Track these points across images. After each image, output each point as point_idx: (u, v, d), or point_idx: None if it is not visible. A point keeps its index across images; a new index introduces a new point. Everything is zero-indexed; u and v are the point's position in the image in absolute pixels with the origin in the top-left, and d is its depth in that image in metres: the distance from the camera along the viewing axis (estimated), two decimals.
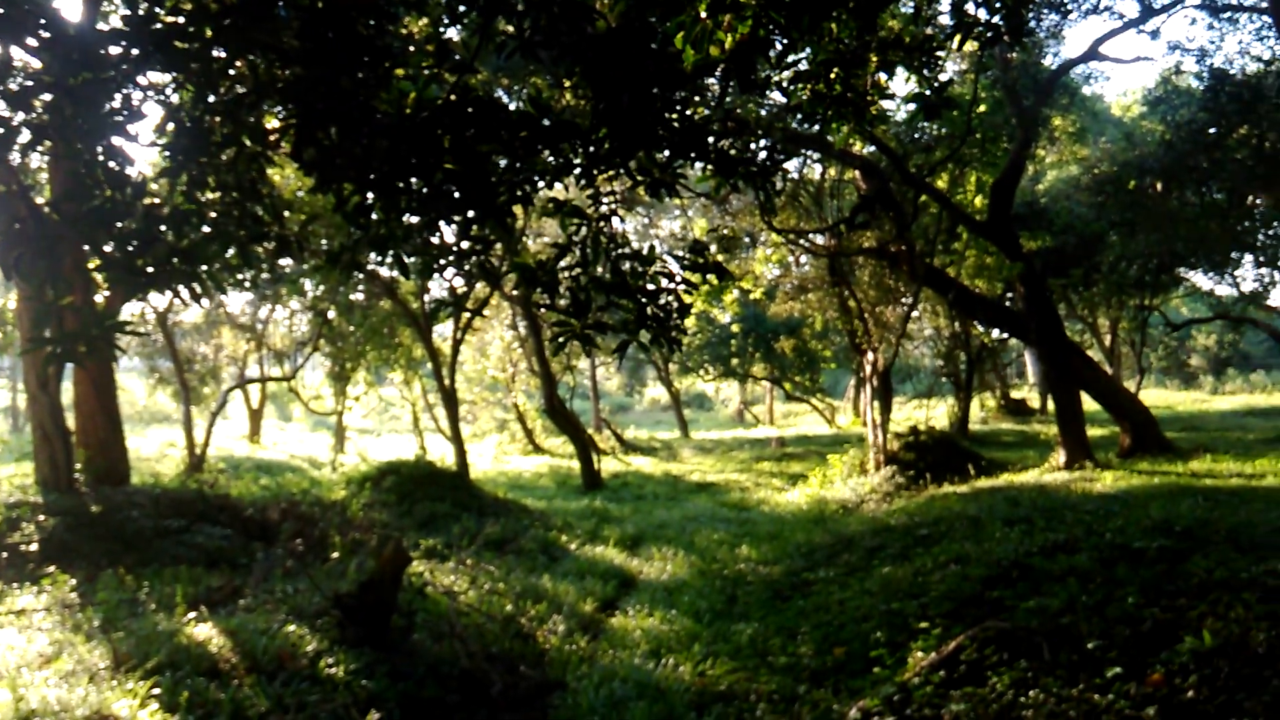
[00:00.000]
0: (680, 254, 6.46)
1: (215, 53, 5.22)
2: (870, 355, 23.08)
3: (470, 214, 5.81)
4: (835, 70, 6.72)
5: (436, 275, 6.80)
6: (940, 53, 7.52)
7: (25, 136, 5.24)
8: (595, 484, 25.45)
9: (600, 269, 6.30)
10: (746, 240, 28.64)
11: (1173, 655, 5.74)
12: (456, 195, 5.69)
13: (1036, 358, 33.54)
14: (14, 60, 5.68)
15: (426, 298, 25.85)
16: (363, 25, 5.28)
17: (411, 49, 6.19)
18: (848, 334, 26.94)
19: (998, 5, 6.83)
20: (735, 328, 43.33)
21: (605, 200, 6.46)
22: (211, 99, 5.57)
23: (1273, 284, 28.34)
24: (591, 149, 5.91)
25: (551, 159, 6.04)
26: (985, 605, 8.00)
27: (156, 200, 5.91)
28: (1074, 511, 11.15)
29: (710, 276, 6.46)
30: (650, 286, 6.26)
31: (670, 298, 6.30)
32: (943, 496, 15.87)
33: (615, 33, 5.49)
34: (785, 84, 7.12)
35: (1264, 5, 19.17)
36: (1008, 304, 26.56)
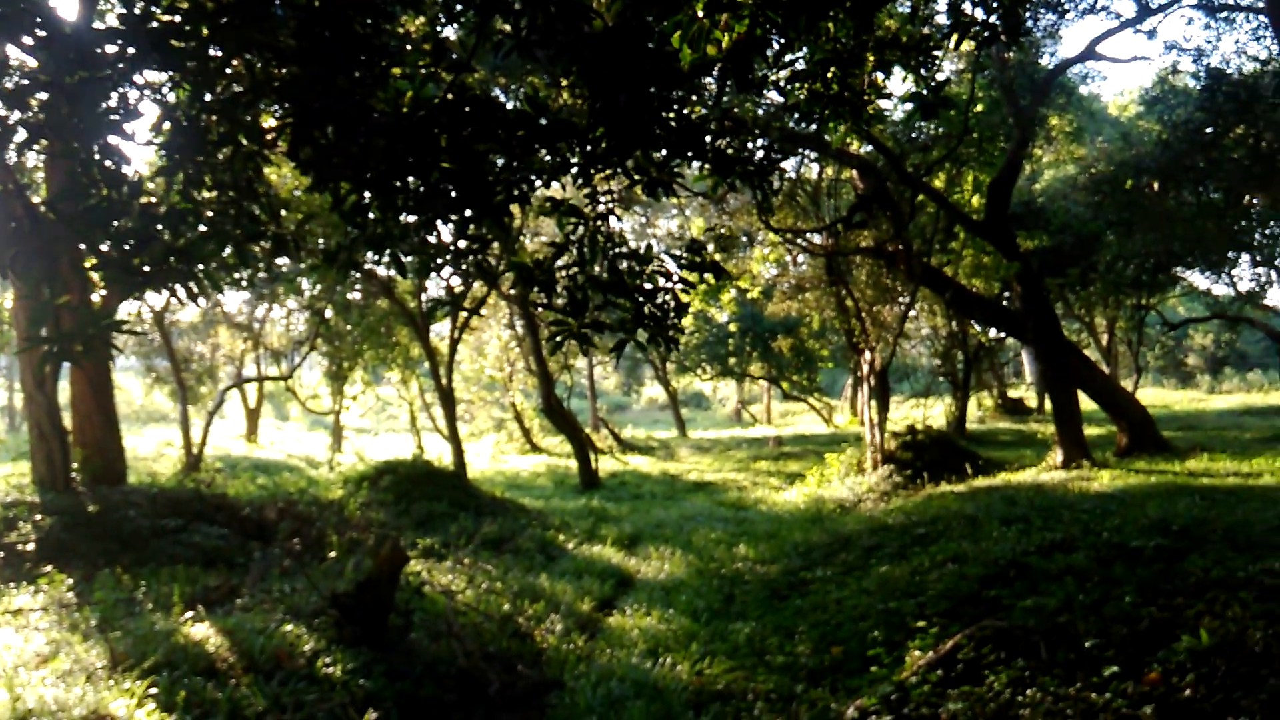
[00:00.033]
0: (677, 253, 6.46)
1: (212, 51, 5.21)
2: (867, 354, 23.09)
3: (467, 213, 5.81)
4: (832, 70, 6.72)
5: (433, 274, 6.80)
6: (937, 52, 7.52)
7: (21, 135, 5.24)
8: (593, 483, 25.45)
9: (597, 268, 6.30)
10: (744, 239, 28.67)
11: (1170, 654, 5.75)
12: (453, 194, 5.69)
13: (1034, 357, 33.53)
14: (10, 59, 5.68)
15: (424, 297, 25.84)
16: (359, 24, 5.27)
17: (408, 48, 6.19)
18: (845, 333, 26.96)
19: (994, 5, 6.83)
20: (733, 327, 43.36)
21: (602, 199, 6.46)
22: (208, 98, 5.56)
23: (1269, 283, 28.43)
24: (589, 148, 5.91)
25: (549, 158, 6.03)
26: (982, 604, 8.01)
27: (153, 199, 5.91)
28: (1071, 511, 11.17)
29: (707, 275, 6.46)
30: (647, 285, 6.26)
31: (667, 297, 6.30)
32: (940, 496, 15.88)
33: (612, 32, 5.49)
34: (782, 83, 7.13)
35: (1260, 5, 19.19)
36: (1005, 303, 26.57)
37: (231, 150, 5.81)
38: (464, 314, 26.27)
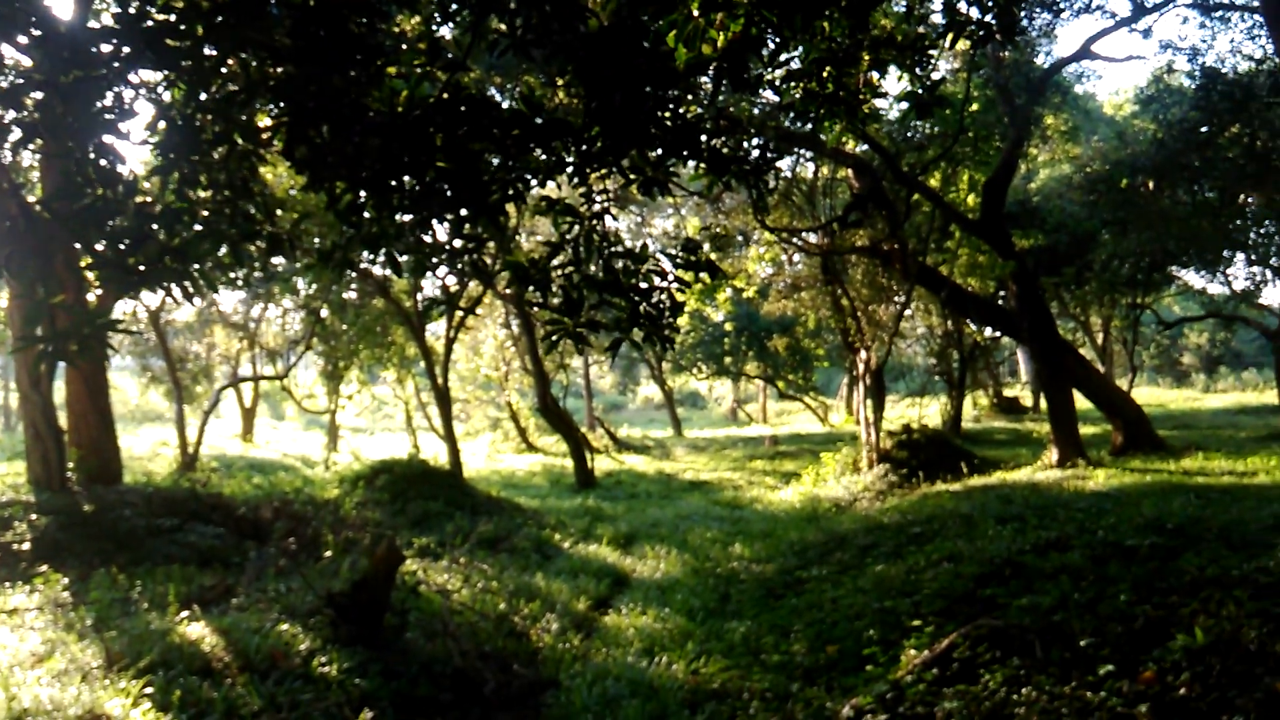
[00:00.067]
0: (673, 252, 6.46)
1: (207, 50, 5.20)
2: (863, 354, 23.11)
3: (463, 212, 5.81)
4: (827, 69, 6.72)
5: (429, 274, 6.78)
6: (932, 51, 7.53)
7: (16, 134, 5.23)
8: (588, 482, 25.45)
9: (593, 267, 6.30)
10: (739, 239, 28.66)
11: (1165, 653, 5.76)
12: (449, 193, 5.69)
13: (1029, 356, 33.63)
14: (5, 58, 5.67)
15: (419, 296, 25.83)
16: (354, 23, 5.26)
17: (404, 47, 6.18)
18: (840, 332, 26.95)
19: (990, 4, 6.83)
20: (728, 326, 43.35)
21: (598, 199, 6.45)
22: (203, 97, 5.55)
23: (1264, 282, 28.37)
24: (584, 147, 5.91)
25: (544, 157, 6.03)
26: (978, 603, 8.02)
27: (148, 198, 5.89)
28: (1066, 509, 11.19)
29: (703, 275, 6.46)
30: (643, 285, 6.26)
31: (663, 296, 6.30)
32: (935, 495, 15.90)
33: (607, 31, 5.49)
34: (778, 82, 7.13)
35: (1255, 4, 19.20)
36: (1000, 302, 26.61)
37: (227, 149, 5.80)
38: (460, 313, 26.27)
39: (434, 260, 6.51)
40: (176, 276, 5.83)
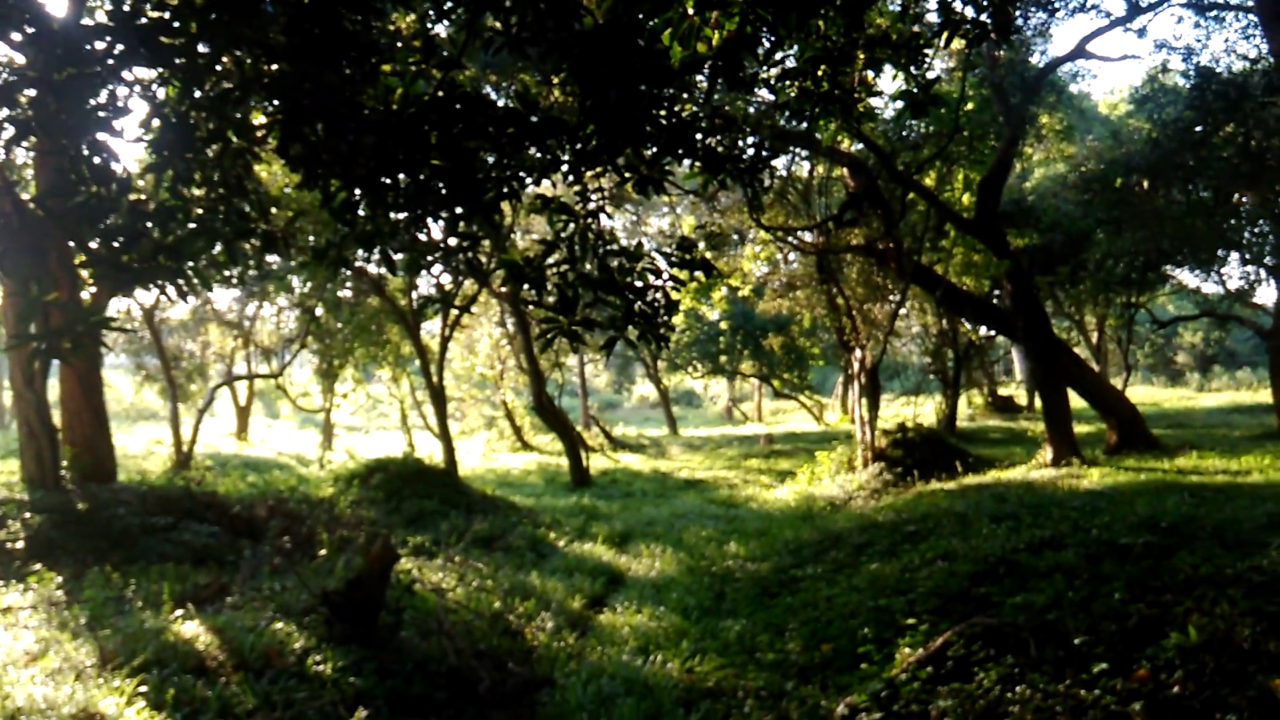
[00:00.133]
0: (668, 251, 6.46)
1: (201, 48, 5.19)
2: (858, 352, 23.13)
3: (458, 210, 5.80)
4: (823, 67, 6.73)
5: (424, 272, 6.78)
6: (927, 50, 7.53)
7: (9, 132, 5.21)
8: (584, 481, 25.44)
9: (588, 266, 6.30)
10: (735, 237, 28.68)
11: (1158, 650, 5.77)
12: (444, 191, 5.68)
13: (1024, 355, 33.65)
14: None
15: (414, 294, 25.80)
16: (349, 21, 5.26)
17: (399, 45, 6.17)
18: (836, 331, 26.98)
19: (985, 3, 6.84)
20: (724, 325, 43.40)
21: (593, 197, 6.45)
22: (197, 94, 5.54)
23: (1258, 281, 28.44)
24: (579, 146, 5.90)
25: (539, 155, 6.03)
26: (972, 602, 8.03)
27: (142, 196, 5.88)
28: (1061, 508, 11.21)
29: (698, 273, 6.47)
30: (638, 283, 6.26)
31: (658, 294, 6.30)
32: (930, 493, 15.92)
33: (602, 29, 5.49)
34: (773, 81, 7.13)
35: (1250, 4, 19.24)
36: (995, 301, 26.62)
37: (221, 147, 5.79)
38: (455, 312, 26.24)
39: (429, 258, 6.51)
40: (171, 274, 5.82)
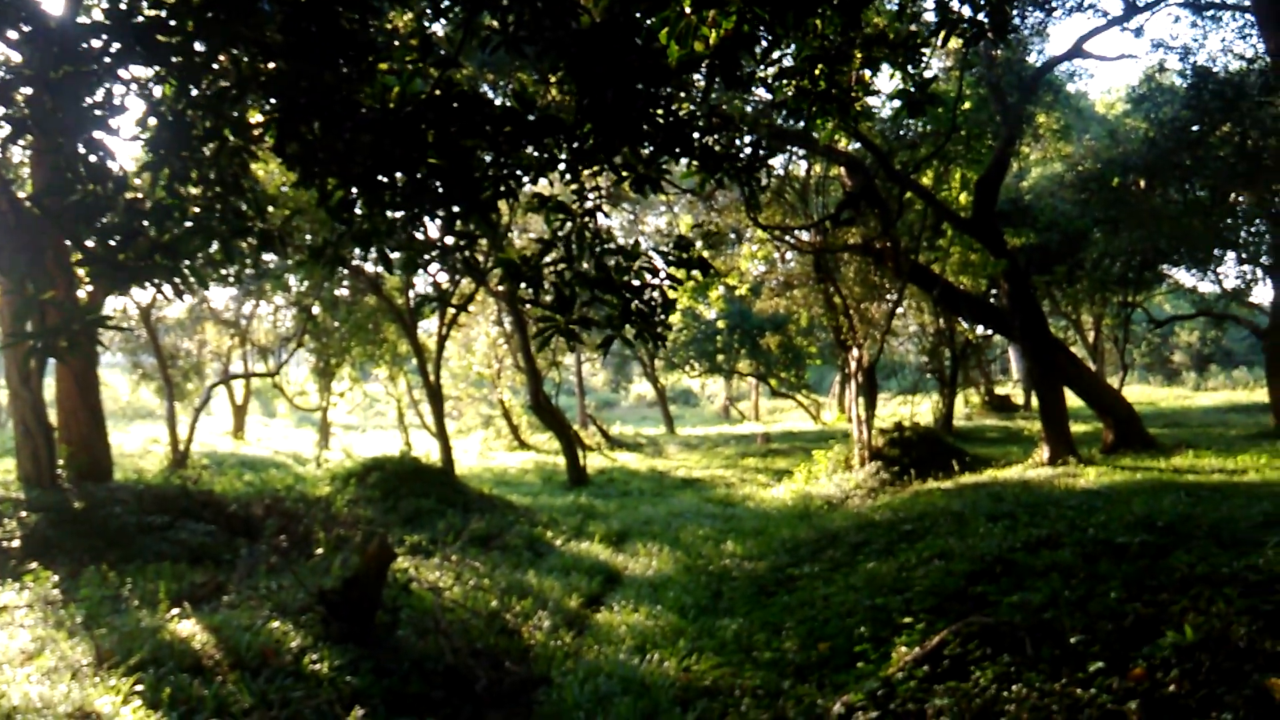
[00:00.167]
0: (665, 250, 6.46)
1: (197, 46, 5.19)
2: (855, 351, 23.14)
3: (455, 209, 5.80)
4: (820, 66, 6.72)
5: (421, 270, 6.78)
6: (925, 49, 7.53)
7: (6, 130, 5.21)
8: (581, 480, 25.44)
9: (585, 264, 6.30)
10: (732, 236, 28.65)
11: (1154, 649, 5.77)
12: (440, 190, 5.68)
13: (1020, 354, 33.69)
14: None
15: (411, 293, 25.78)
16: (346, 19, 5.25)
17: (395, 43, 6.17)
18: (833, 330, 27.00)
19: (982, 2, 6.83)
20: (721, 324, 43.40)
21: (590, 196, 6.45)
22: (194, 93, 5.54)
23: (1255, 281, 28.48)
24: (576, 144, 5.90)
25: (536, 154, 6.03)
26: (968, 600, 8.03)
27: (138, 195, 5.88)
28: (1057, 507, 11.21)
29: (695, 272, 6.47)
30: (635, 282, 6.26)
31: (655, 293, 6.30)
32: (927, 492, 15.94)
33: (600, 28, 5.49)
34: (770, 80, 7.13)
35: (1247, 3, 19.26)
36: (992, 300, 26.63)
37: (217, 145, 5.79)
38: (452, 310, 26.22)
39: (426, 257, 6.51)
40: (167, 273, 5.81)
